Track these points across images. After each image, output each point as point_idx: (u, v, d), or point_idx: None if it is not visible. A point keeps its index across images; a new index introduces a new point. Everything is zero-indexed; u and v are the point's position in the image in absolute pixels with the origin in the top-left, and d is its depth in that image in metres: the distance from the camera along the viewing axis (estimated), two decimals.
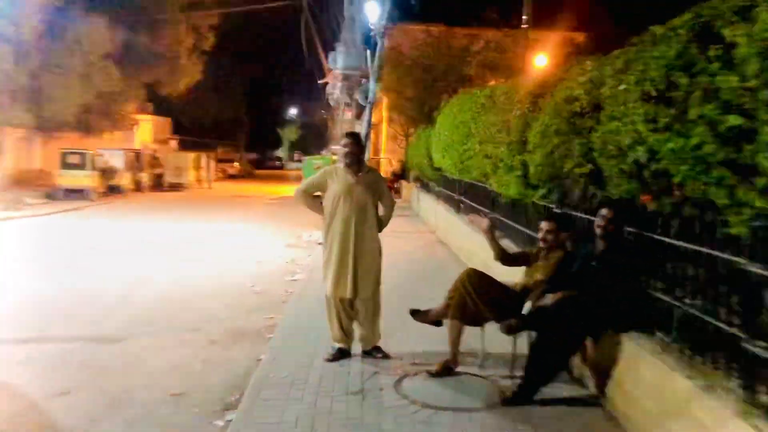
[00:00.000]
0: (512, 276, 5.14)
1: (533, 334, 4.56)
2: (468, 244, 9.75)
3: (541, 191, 6.26)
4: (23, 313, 7.49)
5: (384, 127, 32.23)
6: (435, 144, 12.36)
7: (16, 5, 19.81)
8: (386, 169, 30.61)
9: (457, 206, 11.48)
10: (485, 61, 23.68)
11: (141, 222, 16.89)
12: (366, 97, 13.33)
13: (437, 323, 5.02)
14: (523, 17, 22.04)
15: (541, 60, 25.98)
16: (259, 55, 51.45)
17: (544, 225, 4.78)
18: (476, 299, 4.63)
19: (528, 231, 6.93)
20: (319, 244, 12.27)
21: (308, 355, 5.46)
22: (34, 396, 4.91)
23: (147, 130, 39.03)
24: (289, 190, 29.38)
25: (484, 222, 5.10)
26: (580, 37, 30.24)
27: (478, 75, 23.10)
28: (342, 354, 5.27)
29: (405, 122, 28.31)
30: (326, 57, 17.79)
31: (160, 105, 38.78)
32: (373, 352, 5.32)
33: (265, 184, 38.13)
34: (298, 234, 14.31)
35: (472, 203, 10.01)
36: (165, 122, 43.33)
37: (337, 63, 15.39)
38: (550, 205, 6.04)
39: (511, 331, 4.52)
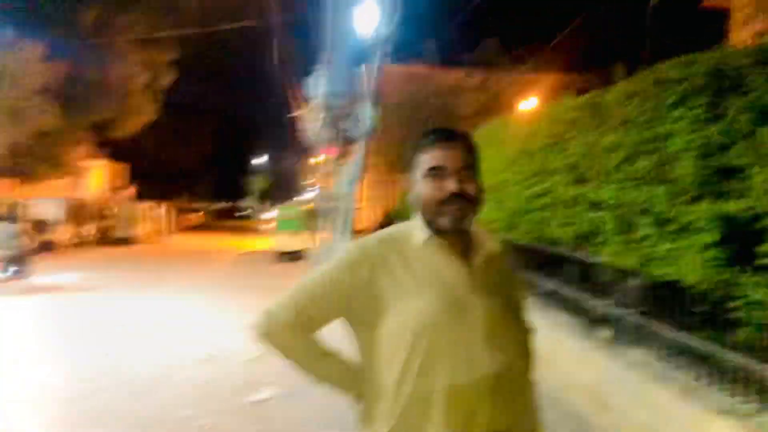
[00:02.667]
0: None
1: None
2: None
3: None
4: None
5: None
6: None
7: None
8: (369, 220, 27.39)
9: None
10: (478, 103, 21.29)
11: (58, 293, 13.09)
12: (359, 127, 9.94)
13: None
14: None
15: (531, 103, 23.53)
16: (226, 98, 48.24)
17: None
18: None
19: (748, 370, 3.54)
20: None
21: None
22: None
23: (99, 176, 35.22)
24: (259, 244, 25.89)
25: None
26: (578, 78, 28.02)
27: (476, 114, 20.58)
28: None
29: (389, 168, 25.24)
30: (300, 85, 14.51)
31: (117, 150, 35.08)
32: None
33: (231, 237, 34.35)
34: (268, 307, 10.72)
35: (533, 276, 6.55)
36: (121, 168, 39.53)
37: (317, 89, 12.08)
38: None
39: None
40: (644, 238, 3.97)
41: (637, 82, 4.42)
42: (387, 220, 25.46)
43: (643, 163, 4.01)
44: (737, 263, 3.28)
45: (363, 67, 10.49)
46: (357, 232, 17.01)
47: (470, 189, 1.70)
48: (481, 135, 8.09)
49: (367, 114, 9.60)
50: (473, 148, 1.78)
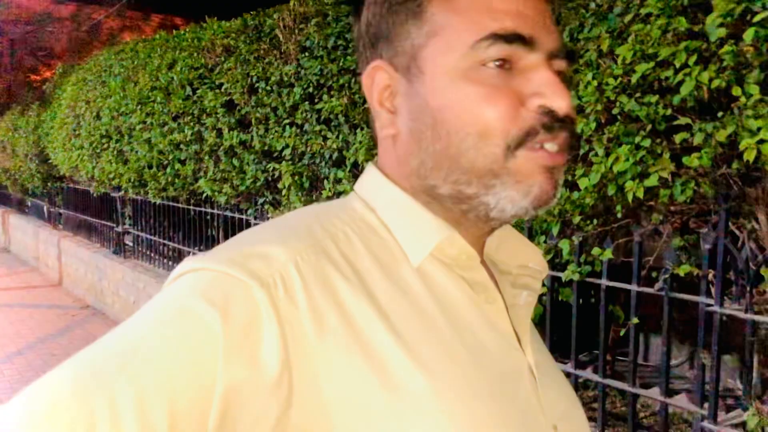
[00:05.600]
0: None
1: None
2: None
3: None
4: None
5: None
6: (58, 135, 7.10)
7: None
8: None
9: (121, 244, 6.54)
10: (73, 37, 18.72)
11: None
12: None
13: None
14: None
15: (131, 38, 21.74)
16: None
17: None
18: None
19: None
20: None
21: None
22: None
23: None
24: None
25: None
26: (178, 20, 27.16)
27: (72, 50, 17.87)
28: None
29: None
30: None
31: None
32: None
33: None
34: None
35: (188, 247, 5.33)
36: None
37: None
38: None
39: None
40: (339, 194, 3.19)
41: (312, 4, 3.54)
42: None
43: (334, 103, 3.18)
44: None
45: None
46: None
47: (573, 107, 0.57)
48: (90, 68, 6.34)
49: None
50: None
